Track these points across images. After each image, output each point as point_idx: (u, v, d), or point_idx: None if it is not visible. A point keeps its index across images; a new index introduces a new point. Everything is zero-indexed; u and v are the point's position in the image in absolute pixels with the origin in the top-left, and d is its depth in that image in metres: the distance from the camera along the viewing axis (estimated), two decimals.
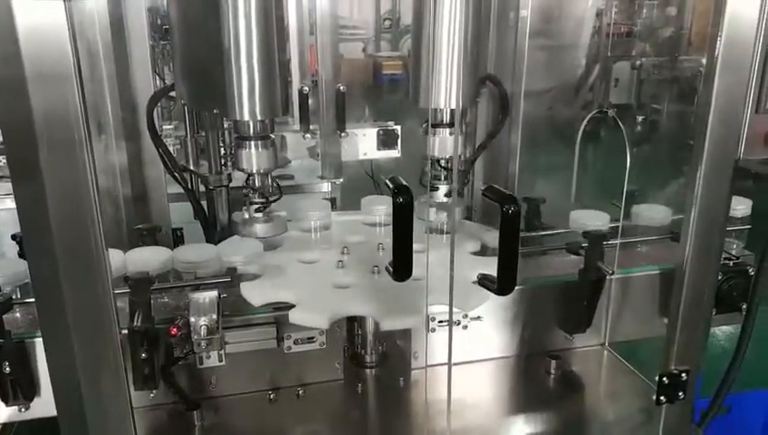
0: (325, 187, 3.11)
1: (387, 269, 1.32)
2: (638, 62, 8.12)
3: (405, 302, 1.61)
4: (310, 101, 2.87)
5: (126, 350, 1.54)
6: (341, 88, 2.43)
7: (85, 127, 1.13)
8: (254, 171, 1.71)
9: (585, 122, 2.17)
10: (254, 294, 1.71)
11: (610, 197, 2.19)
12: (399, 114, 2.88)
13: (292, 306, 1.64)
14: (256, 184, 1.75)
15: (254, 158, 1.68)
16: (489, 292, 1.29)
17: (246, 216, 1.80)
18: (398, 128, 2.85)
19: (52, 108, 1.10)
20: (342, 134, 2.52)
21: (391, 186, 1.25)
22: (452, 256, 1.33)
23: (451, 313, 1.43)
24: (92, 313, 1.24)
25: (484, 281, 1.29)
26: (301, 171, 3.28)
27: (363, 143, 2.87)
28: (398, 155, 2.91)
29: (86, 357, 1.27)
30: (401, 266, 1.29)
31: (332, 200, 3.13)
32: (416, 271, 1.34)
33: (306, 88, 2.36)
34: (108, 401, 1.32)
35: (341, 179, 3.04)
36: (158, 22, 3.31)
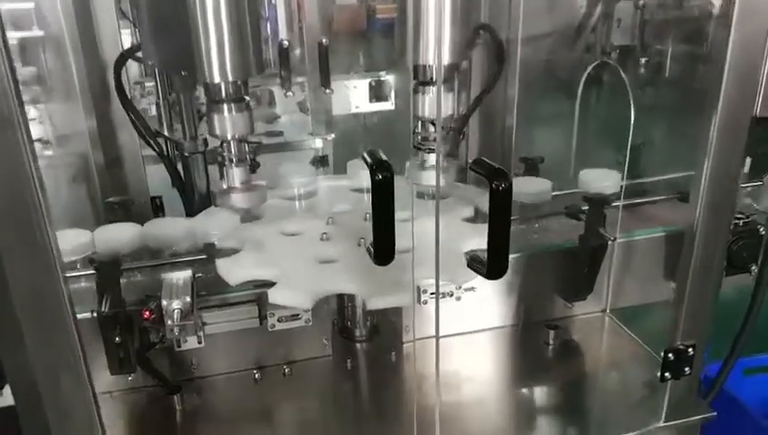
0: (316, 143, 2.96)
1: (368, 251, 1.20)
2: (641, 2, 7.83)
3: (392, 277, 1.46)
4: (297, 53, 2.70)
5: (97, 334, 1.46)
6: (324, 41, 2.24)
7: (15, 100, 1.00)
8: (229, 137, 1.57)
9: (586, 74, 2.03)
10: (231, 271, 1.58)
11: (614, 151, 2.05)
12: (394, 63, 2.71)
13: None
14: (232, 150, 1.62)
15: (227, 122, 1.54)
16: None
17: (224, 186, 1.68)
18: (391, 78, 2.70)
19: None
20: (327, 91, 2.36)
21: (369, 161, 1.12)
22: (437, 223, 1.21)
23: (438, 284, 1.33)
24: (41, 300, 1.12)
25: (472, 263, 1.17)
26: (291, 127, 3.13)
27: (354, 95, 2.73)
28: (392, 107, 2.76)
29: (39, 348, 1.15)
30: (382, 249, 1.17)
31: (323, 158, 2.99)
32: (405, 242, 1.23)
33: (286, 42, 2.18)
34: (67, 391, 1.21)
35: (333, 135, 2.89)
36: None
